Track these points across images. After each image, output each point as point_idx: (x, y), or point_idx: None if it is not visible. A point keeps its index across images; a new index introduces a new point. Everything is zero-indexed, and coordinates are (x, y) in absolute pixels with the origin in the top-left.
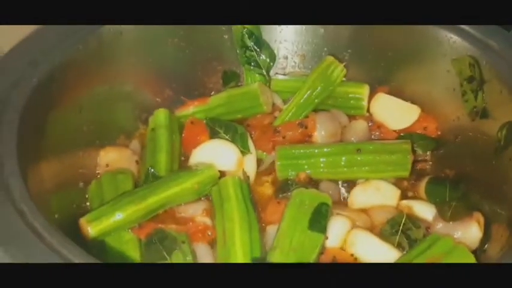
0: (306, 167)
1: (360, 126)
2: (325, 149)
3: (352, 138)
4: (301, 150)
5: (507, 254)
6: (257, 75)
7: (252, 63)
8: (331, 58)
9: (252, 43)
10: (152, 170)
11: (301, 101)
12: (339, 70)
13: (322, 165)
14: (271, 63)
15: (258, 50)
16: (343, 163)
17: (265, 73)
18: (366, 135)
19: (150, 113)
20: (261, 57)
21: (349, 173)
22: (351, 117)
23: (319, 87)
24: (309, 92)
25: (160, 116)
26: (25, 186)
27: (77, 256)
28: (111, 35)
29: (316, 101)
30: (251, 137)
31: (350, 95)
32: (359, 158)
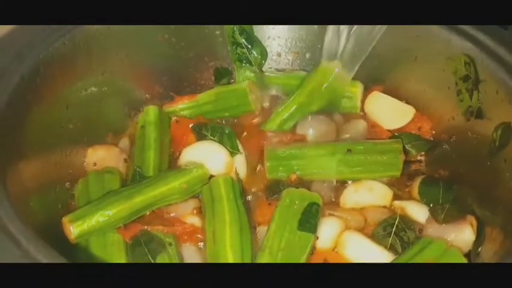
0: (296, 168)
1: (359, 126)
2: (315, 150)
3: (348, 136)
4: (291, 151)
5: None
6: (248, 72)
7: (244, 60)
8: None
9: (243, 40)
10: (139, 169)
11: (293, 109)
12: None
13: (312, 166)
14: (263, 61)
15: (249, 47)
16: (334, 164)
17: (257, 70)
18: (364, 135)
19: (140, 110)
20: (253, 54)
21: (340, 173)
22: (349, 116)
23: (314, 101)
24: (303, 102)
25: (150, 113)
26: (3, 186)
27: (49, 258)
28: (99, 29)
29: (308, 111)
30: (240, 136)
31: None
32: (350, 159)
